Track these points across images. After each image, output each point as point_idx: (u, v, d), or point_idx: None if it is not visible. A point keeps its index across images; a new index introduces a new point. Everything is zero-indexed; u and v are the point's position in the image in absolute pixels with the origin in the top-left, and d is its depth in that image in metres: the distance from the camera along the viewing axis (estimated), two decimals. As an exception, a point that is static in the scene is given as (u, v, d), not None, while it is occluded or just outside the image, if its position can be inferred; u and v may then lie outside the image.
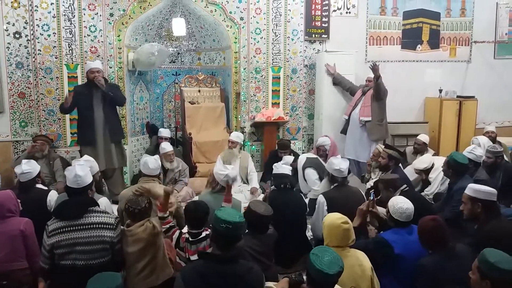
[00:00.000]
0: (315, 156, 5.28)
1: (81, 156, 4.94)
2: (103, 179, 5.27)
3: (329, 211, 3.58)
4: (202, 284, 2.16)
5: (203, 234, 3.00)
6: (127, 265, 2.94)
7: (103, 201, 3.55)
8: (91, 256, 2.73)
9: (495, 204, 3.05)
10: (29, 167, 3.69)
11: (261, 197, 4.88)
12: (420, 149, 5.73)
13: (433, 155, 5.58)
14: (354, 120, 6.01)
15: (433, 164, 4.88)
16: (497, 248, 2.14)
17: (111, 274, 2.15)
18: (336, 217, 2.72)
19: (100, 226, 2.77)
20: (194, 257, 2.83)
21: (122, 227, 2.97)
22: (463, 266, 2.63)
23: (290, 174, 4.14)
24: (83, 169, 3.01)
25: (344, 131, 6.22)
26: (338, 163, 3.84)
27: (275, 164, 4.28)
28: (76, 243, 2.72)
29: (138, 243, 2.88)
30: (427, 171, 4.88)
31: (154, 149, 5.95)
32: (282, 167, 4.14)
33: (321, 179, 4.79)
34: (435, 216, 2.88)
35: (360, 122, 5.92)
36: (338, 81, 6.31)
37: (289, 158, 5.30)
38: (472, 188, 3.07)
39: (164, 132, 6.15)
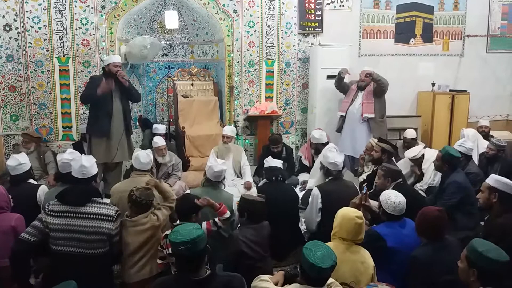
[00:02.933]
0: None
1: (89, 146, 4.94)
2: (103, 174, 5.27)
3: (323, 204, 3.63)
4: None
5: None
6: (123, 256, 2.95)
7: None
8: (87, 246, 2.74)
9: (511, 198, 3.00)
10: (23, 160, 3.68)
11: (254, 191, 4.89)
12: (409, 145, 5.73)
13: (424, 148, 5.61)
14: (353, 117, 5.93)
15: (423, 155, 4.93)
16: (504, 242, 2.18)
17: (67, 282, 2.06)
18: (351, 211, 2.74)
19: (100, 217, 2.79)
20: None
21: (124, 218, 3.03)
22: (454, 258, 2.66)
23: (281, 167, 4.17)
24: (89, 160, 3.04)
25: (339, 129, 6.11)
26: (333, 157, 3.85)
27: (266, 158, 4.31)
28: (74, 230, 2.73)
29: (140, 234, 2.95)
30: (419, 163, 4.92)
31: (149, 144, 5.91)
32: (273, 161, 4.18)
33: None
34: (439, 207, 2.90)
35: (363, 119, 5.88)
36: (338, 79, 6.08)
37: (324, 137, 5.56)
38: (493, 178, 3.07)
39: (160, 128, 6.05)
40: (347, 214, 2.71)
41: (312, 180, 5.15)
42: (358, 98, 5.97)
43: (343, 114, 6.04)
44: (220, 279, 2.15)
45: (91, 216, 2.77)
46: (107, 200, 3.67)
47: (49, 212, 2.76)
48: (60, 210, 2.77)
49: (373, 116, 5.85)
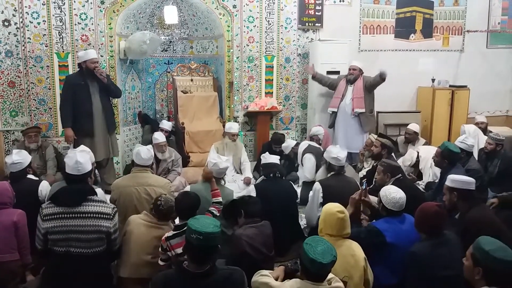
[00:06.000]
0: (317, 145, 5.31)
1: (75, 147, 4.93)
2: (96, 170, 5.27)
3: (324, 198, 3.64)
4: None
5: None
6: (128, 248, 2.97)
7: (98, 192, 3.52)
8: (86, 245, 2.71)
9: (471, 193, 3.13)
10: (20, 157, 3.66)
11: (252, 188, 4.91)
12: (411, 138, 5.75)
13: (424, 144, 5.62)
14: (345, 112, 5.97)
15: (417, 157, 4.94)
16: (481, 234, 2.18)
17: None
18: (333, 206, 2.74)
19: (97, 215, 2.74)
20: (179, 250, 2.79)
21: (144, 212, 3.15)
22: (453, 253, 2.68)
23: (279, 163, 4.18)
24: (84, 156, 2.99)
25: (332, 125, 6.13)
26: (337, 152, 3.87)
27: (263, 154, 4.31)
28: (72, 231, 2.68)
29: (155, 229, 3.05)
30: (417, 165, 4.94)
31: (151, 139, 5.88)
32: (271, 157, 4.19)
33: (318, 167, 4.83)
34: (438, 203, 2.93)
35: (353, 114, 5.90)
36: (318, 80, 6.19)
37: (291, 142, 5.52)
38: (449, 179, 3.20)
39: (166, 124, 6.05)
40: (329, 210, 2.71)
41: (302, 175, 5.17)
42: (348, 93, 5.98)
43: (335, 110, 6.06)
44: (221, 272, 2.16)
45: (89, 215, 2.72)
46: (108, 196, 3.69)
47: (44, 218, 2.70)
48: (54, 212, 2.71)
49: (363, 110, 5.89)
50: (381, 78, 5.71)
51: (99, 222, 2.74)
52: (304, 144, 5.24)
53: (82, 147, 4.06)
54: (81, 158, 2.90)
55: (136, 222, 3.06)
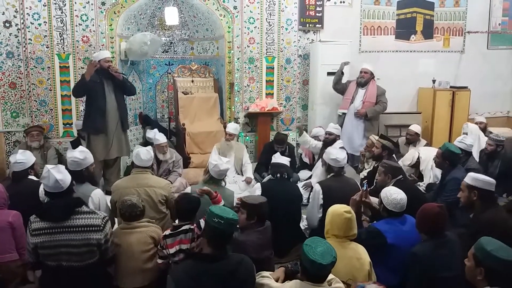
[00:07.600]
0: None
1: (88, 143, 4.96)
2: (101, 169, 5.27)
3: (324, 200, 3.63)
4: (194, 285, 2.18)
5: (185, 227, 2.91)
6: (124, 259, 2.94)
7: (97, 193, 3.45)
8: (77, 258, 2.64)
9: (491, 194, 3.10)
10: (23, 157, 3.63)
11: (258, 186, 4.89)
12: (412, 139, 5.74)
13: (425, 145, 5.61)
14: (354, 115, 5.95)
15: (418, 158, 4.93)
16: (492, 236, 2.15)
17: None
18: (340, 206, 2.74)
19: (86, 229, 2.63)
20: (172, 250, 2.81)
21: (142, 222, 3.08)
22: (453, 254, 2.68)
23: (288, 165, 4.17)
24: (60, 169, 2.75)
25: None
26: (336, 153, 3.85)
27: (274, 154, 4.29)
28: (61, 245, 2.60)
29: (133, 234, 2.97)
30: (417, 166, 4.93)
31: (144, 144, 5.86)
32: (281, 158, 4.16)
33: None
34: (440, 204, 2.92)
35: (360, 117, 5.91)
36: (337, 79, 6.07)
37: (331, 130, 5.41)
38: (471, 176, 3.15)
39: (151, 134, 5.53)
40: (336, 210, 2.71)
41: (315, 178, 5.14)
42: (358, 96, 5.96)
43: (345, 111, 6.01)
44: (233, 256, 2.32)
45: (77, 229, 2.61)
46: (108, 197, 3.68)
47: (32, 232, 2.61)
48: (42, 227, 2.60)
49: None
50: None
51: (88, 235, 2.63)
52: (340, 143, 5.20)
53: (81, 147, 3.96)
54: (58, 175, 2.69)
55: (117, 233, 3.00)
